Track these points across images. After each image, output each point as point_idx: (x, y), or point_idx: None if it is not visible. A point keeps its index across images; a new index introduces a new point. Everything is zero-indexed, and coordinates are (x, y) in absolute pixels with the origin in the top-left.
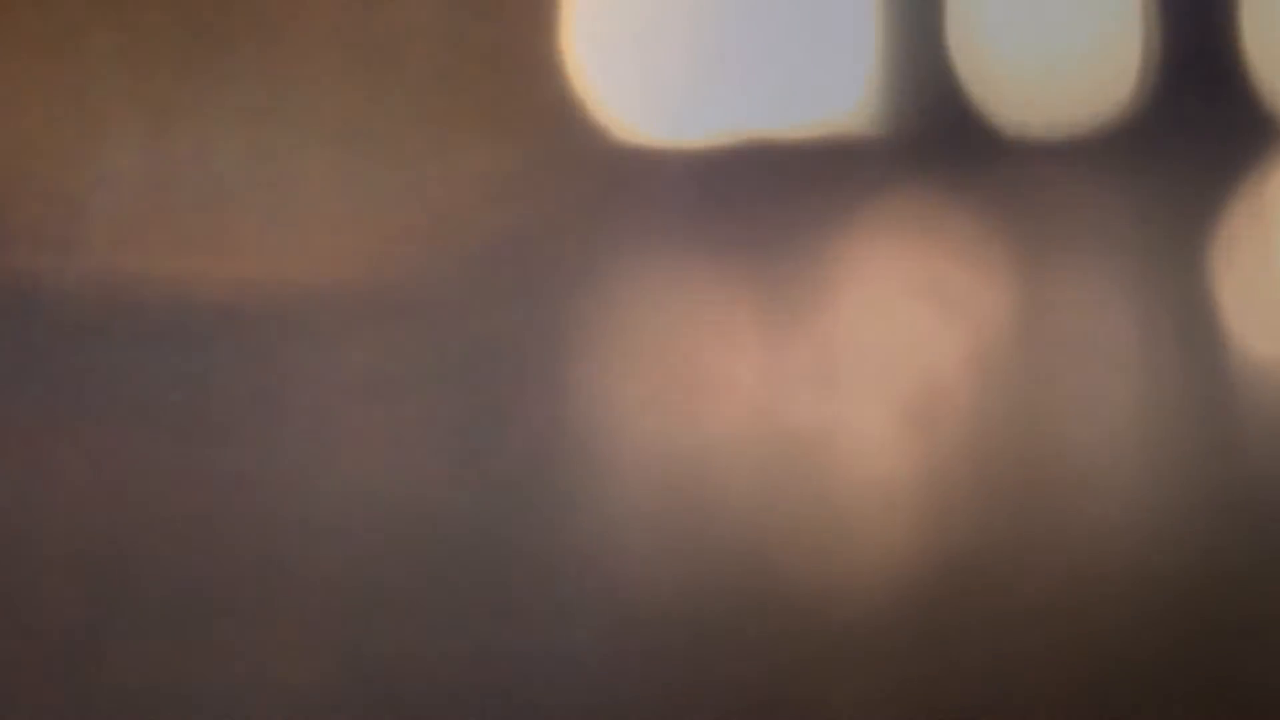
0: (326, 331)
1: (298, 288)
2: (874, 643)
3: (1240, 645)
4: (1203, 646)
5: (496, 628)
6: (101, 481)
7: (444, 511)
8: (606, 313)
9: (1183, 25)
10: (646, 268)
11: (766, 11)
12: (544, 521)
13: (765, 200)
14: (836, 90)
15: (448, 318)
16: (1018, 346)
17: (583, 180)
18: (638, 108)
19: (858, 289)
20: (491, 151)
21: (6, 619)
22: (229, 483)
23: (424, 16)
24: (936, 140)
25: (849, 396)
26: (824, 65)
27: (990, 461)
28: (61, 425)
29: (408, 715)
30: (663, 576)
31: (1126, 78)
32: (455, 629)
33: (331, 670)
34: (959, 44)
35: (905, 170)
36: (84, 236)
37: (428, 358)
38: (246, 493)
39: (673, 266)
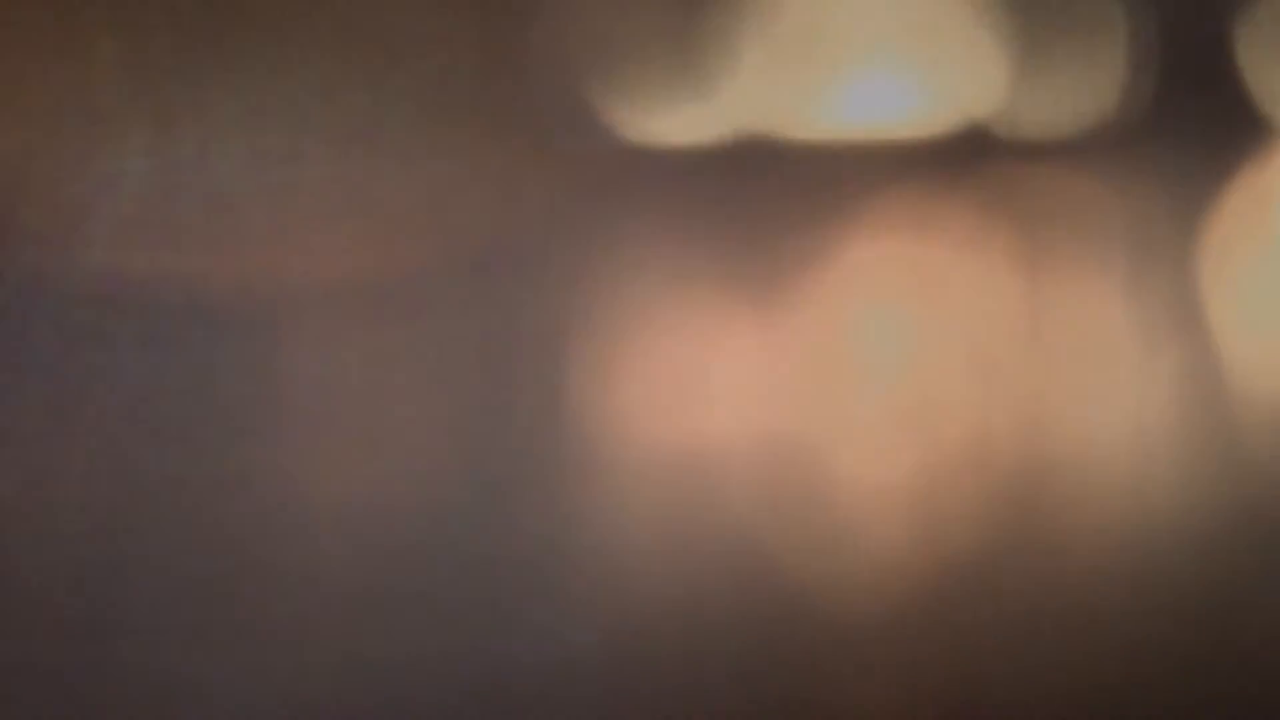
0: (327, 332)
1: (299, 288)
2: (873, 643)
3: (1240, 645)
4: (1202, 646)
5: (496, 628)
6: (104, 481)
7: (444, 511)
8: (606, 313)
9: (1178, 26)
10: (646, 268)
11: (768, 10)
12: (544, 521)
13: (765, 200)
14: (839, 91)
15: (448, 318)
16: (1016, 346)
17: (583, 180)
18: (638, 107)
19: (857, 289)
20: (491, 151)
21: (7, 619)
22: (229, 482)
23: (424, 19)
24: (936, 140)
25: (848, 397)
26: (826, 66)
27: (989, 462)
28: (64, 425)
29: (408, 715)
30: (662, 577)
31: (1122, 78)
32: (455, 629)
33: (331, 670)
34: (958, 46)
35: (904, 170)
36: (88, 238)
37: (428, 358)
38: (247, 492)
39: (672, 266)
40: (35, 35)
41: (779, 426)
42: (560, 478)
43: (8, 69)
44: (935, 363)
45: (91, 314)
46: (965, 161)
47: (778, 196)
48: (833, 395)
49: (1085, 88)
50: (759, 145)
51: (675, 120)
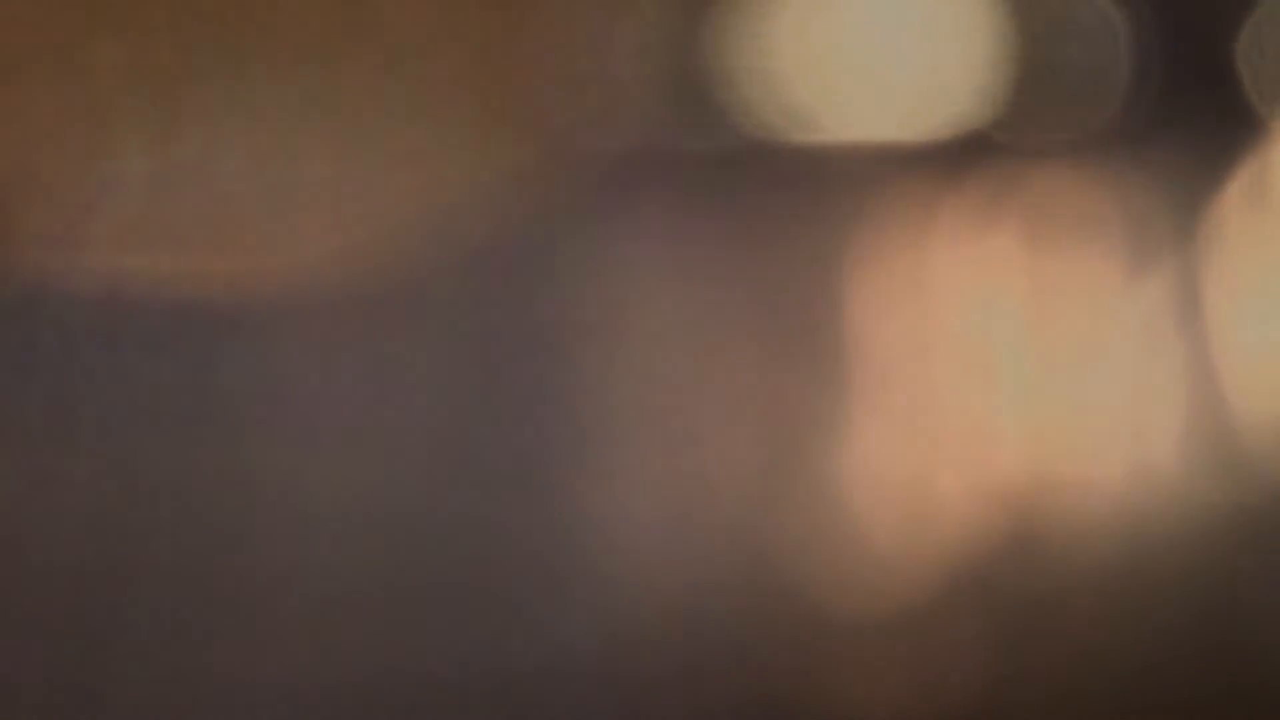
0: (328, 332)
1: (300, 289)
2: (873, 642)
3: (1238, 644)
4: (1200, 645)
5: (496, 627)
6: (105, 482)
7: (443, 510)
8: (606, 312)
9: (1178, 28)
10: (646, 268)
11: (768, 11)
12: (543, 521)
13: (765, 201)
14: (840, 91)
15: (448, 318)
16: (1016, 346)
17: (583, 180)
18: (639, 108)
19: (857, 289)
20: (491, 151)
21: (7, 618)
22: (230, 482)
23: (425, 21)
24: (937, 141)
25: (848, 397)
26: (827, 66)
27: (988, 462)
28: (67, 425)
29: (407, 714)
30: (662, 576)
31: (1123, 79)
32: (454, 628)
33: (332, 669)
34: (958, 46)
35: (905, 171)
36: (89, 239)
37: (428, 358)
38: (247, 492)
39: (672, 266)
40: (37, 37)
41: (779, 425)
42: (560, 477)
43: (9, 70)
44: (935, 362)
45: (93, 315)
46: (966, 162)
47: (778, 197)
48: (833, 394)
49: (1086, 88)
50: (759, 146)
51: (676, 120)
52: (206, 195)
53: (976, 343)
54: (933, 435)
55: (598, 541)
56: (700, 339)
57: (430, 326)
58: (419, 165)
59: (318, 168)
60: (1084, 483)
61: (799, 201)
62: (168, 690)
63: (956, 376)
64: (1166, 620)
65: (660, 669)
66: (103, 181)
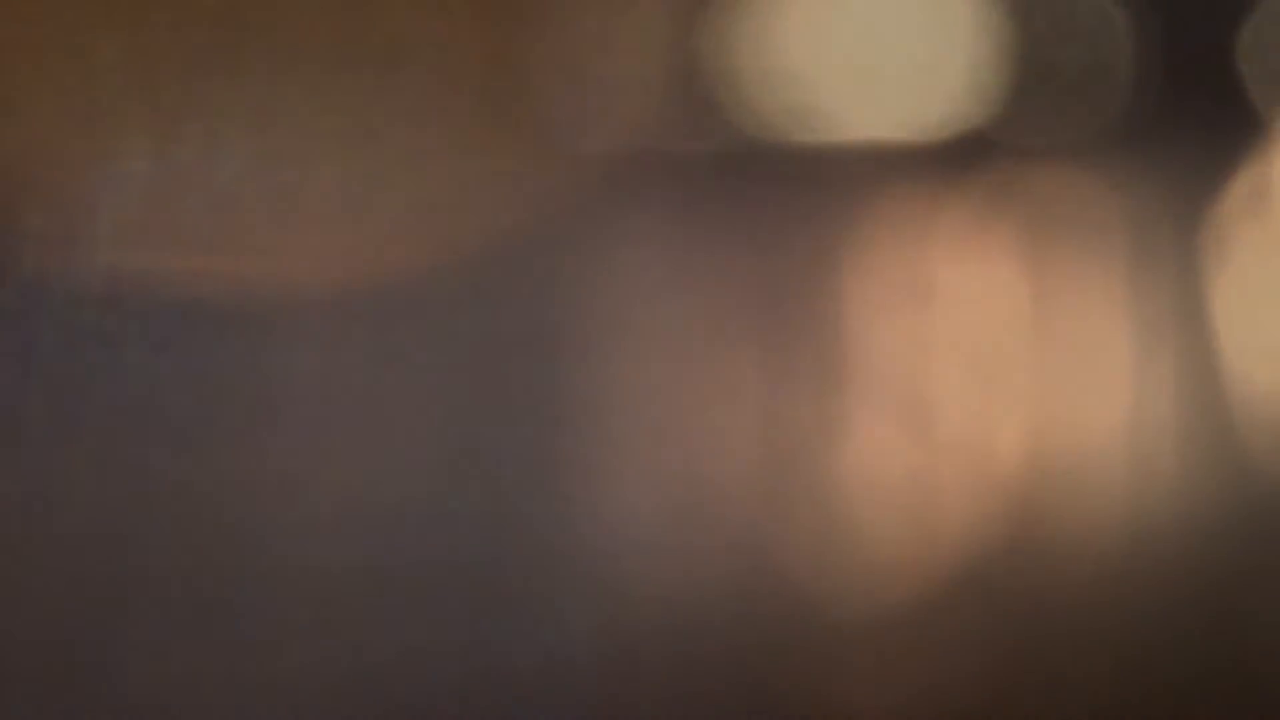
0: (329, 332)
1: (302, 289)
2: (873, 643)
3: (1238, 645)
4: (1200, 646)
5: (496, 628)
6: (106, 483)
7: (443, 512)
8: (605, 313)
9: (1178, 28)
10: (646, 268)
11: (768, 11)
12: (543, 522)
13: (765, 201)
14: (840, 92)
15: (448, 318)
16: (1016, 346)
17: (583, 181)
18: (639, 109)
19: (857, 289)
20: (491, 152)
21: (8, 620)
22: (231, 483)
23: (425, 20)
24: (937, 142)
25: (848, 397)
26: (827, 66)
27: (989, 462)
28: (67, 425)
29: (407, 715)
30: (661, 577)
31: (1123, 80)
32: (454, 629)
33: (331, 670)
34: (958, 46)
35: (905, 171)
36: (91, 239)
37: (428, 358)
38: (248, 493)
39: (672, 267)
40: (38, 35)
41: (779, 425)
42: (559, 478)
43: (11, 69)
44: (935, 363)
45: (94, 315)
46: (966, 162)
47: (778, 198)
48: (833, 395)
49: (1086, 88)
50: (759, 146)
51: (676, 121)
52: (207, 196)
53: (976, 343)
54: (933, 435)
55: (597, 540)
56: (700, 338)
57: (431, 326)
58: (419, 165)
59: (318, 168)
60: (1084, 483)
61: (799, 201)
62: (169, 689)
63: (956, 376)
64: (1167, 619)
65: (660, 668)
66: (103, 181)
